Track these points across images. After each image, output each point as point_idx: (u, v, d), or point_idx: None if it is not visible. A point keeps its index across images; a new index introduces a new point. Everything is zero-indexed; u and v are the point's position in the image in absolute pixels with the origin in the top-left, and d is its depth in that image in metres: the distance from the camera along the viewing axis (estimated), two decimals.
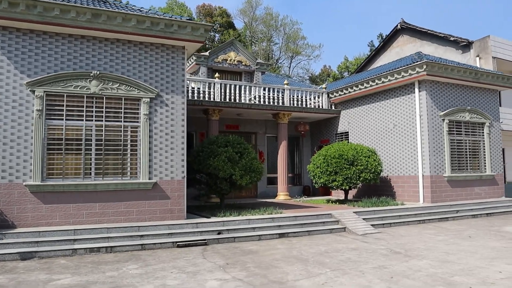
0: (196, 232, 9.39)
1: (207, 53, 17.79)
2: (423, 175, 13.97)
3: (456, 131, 14.77)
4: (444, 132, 14.30)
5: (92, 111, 9.55)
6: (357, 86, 16.39)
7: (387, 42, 22.02)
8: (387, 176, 15.49)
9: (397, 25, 21.25)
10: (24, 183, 8.77)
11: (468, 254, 7.92)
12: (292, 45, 47.50)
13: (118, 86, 9.71)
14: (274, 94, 16.96)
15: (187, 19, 10.23)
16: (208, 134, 15.77)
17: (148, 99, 9.96)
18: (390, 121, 15.43)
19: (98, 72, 9.49)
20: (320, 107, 18.08)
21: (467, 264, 7.11)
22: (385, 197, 14.25)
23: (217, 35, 47.67)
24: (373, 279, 6.23)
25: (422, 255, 7.89)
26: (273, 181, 18.48)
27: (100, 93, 9.52)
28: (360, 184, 14.02)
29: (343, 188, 13.96)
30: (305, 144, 19.90)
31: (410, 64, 14.06)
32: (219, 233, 9.57)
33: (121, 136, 9.76)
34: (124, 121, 9.81)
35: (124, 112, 9.82)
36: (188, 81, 15.70)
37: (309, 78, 48.71)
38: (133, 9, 10.34)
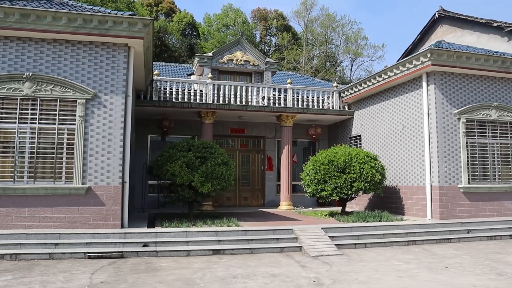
0: (119, 243, 8.62)
1: (210, 54, 17.08)
2: (431, 186, 11.66)
3: (479, 132, 12.13)
4: (459, 134, 11.81)
5: (27, 114, 9.34)
6: (365, 83, 14.43)
7: (425, 34, 19.26)
8: (396, 186, 13.31)
9: (434, 14, 18.46)
10: None
11: None
12: (352, 46, 44.72)
13: (53, 87, 9.38)
14: (276, 94, 15.66)
15: (128, 14, 9.61)
16: (203, 138, 14.97)
17: (84, 100, 9.49)
18: (399, 122, 13.25)
19: (30, 74, 9.25)
20: (333, 108, 16.31)
21: None
22: (380, 211, 12.09)
23: (273, 38, 46.86)
24: None
25: None
26: None
27: (33, 95, 9.27)
28: (353, 194, 12.11)
29: (333, 198, 12.20)
30: (321, 150, 18.10)
31: (415, 54, 11.88)
32: (144, 245, 8.70)
33: (55, 139, 9.40)
34: (59, 124, 9.44)
35: (59, 114, 9.46)
36: (186, 83, 15.12)
37: None
38: (74, 6, 9.98)
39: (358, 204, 15.48)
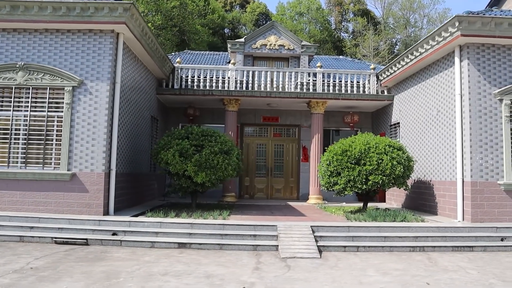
0: (89, 230, 8.56)
1: (242, 40, 16.44)
2: (463, 181, 9.68)
3: None
4: (502, 118, 9.58)
5: (21, 102, 9.77)
6: (399, 63, 12.54)
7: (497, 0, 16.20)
8: (430, 181, 11.37)
9: None
10: None
11: None
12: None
13: (43, 76, 9.65)
14: (305, 80, 14.49)
15: (110, 0, 9.45)
16: (226, 127, 14.50)
17: (71, 88, 9.61)
18: (434, 106, 11.25)
19: (23, 63, 9.63)
20: (371, 92, 14.57)
21: None
22: (392, 211, 10.43)
23: (349, 24, 44.21)
24: None
25: None
26: None
27: (25, 83, 9.65)
28: (369, 189, 10.56)
29: (346, 193, 10.79)
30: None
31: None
32: (113, 234, 8.52)
33: (44, 126, 9.69)
34: (49, 111, 9.70)
35: (49, 101, 9.72)
36: (208, 70, 14.79)
37: None
38: None
39: (396, 200, 13.70)
